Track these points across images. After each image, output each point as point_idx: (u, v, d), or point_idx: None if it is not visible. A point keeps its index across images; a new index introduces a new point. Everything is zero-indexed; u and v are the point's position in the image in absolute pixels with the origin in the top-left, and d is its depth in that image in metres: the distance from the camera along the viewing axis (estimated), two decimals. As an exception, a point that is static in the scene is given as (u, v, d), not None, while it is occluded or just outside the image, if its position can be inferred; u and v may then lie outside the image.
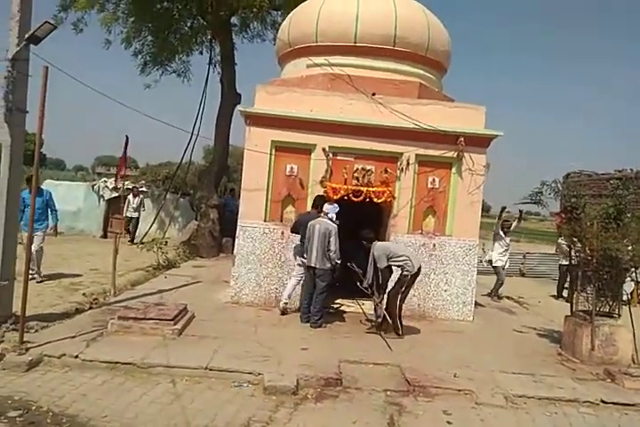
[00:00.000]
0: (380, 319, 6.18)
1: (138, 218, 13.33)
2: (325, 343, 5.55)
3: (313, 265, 6.27)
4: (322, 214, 6.39)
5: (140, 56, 13.17)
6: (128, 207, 12.97)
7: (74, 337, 4.92)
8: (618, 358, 5.55)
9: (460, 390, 4.48)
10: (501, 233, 9.37)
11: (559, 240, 10.07)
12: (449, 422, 3.92)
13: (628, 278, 6.99)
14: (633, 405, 4.51)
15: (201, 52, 13.86)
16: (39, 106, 4.68)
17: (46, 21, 5.09)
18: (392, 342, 5.75)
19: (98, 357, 4.50)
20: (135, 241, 12.50)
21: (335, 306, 7.27)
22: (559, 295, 10.39)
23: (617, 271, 5.80)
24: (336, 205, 6.50)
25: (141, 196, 13.56)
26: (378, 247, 6.13)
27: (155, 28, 12.55)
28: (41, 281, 7.58)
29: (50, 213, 7.95)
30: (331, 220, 6.32)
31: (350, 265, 6.35)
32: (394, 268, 6.15)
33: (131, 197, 13.16)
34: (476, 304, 7.56)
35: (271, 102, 7.10)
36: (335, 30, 7.56)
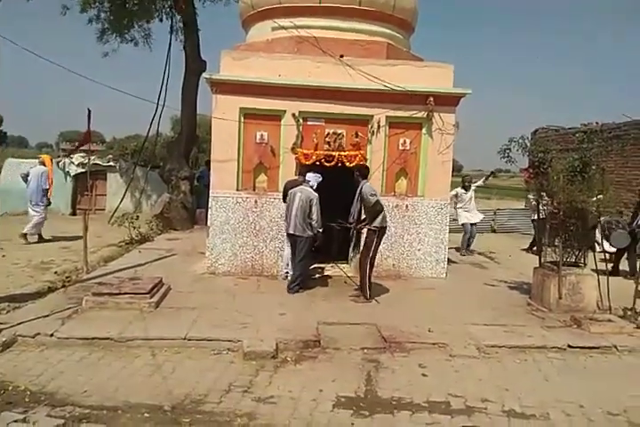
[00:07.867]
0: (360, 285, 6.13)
1: None
2: (303, 307, 5.63)
3: (292, 233, 6.26)
4: (304, 183, 6.35)
5: (97, 23, 12.53)
6: None
7: (47, 316, 4.86)
8: (584, 305, 5.79)
9: (434, 344, 4.64)
10: (461, 190, 9.50)
11: (529, 195, 10.12)
12: (424, 375, 4.07)
13: (623, 231, 7.19)
14: (598, 348, 4.75)
15: (161, 19, 13.20)
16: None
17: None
18: (365, 304, 5.86)
19: (74, 334, 4.46)
20: None
21: (316, 271, 7.31)
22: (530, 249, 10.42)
23: (583, 222, 5.97)
24: (319, 174, 6.44)
25: None
26: (368, 186, 6.07)
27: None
28: None
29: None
30: (312, 188, 6.29)
31: (338, 225, 6.41)
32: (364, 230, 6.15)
33: None
34: (449, 261, 7.74)
35: (237, 68, 6.87)
36: (299, -11, 7.25)
